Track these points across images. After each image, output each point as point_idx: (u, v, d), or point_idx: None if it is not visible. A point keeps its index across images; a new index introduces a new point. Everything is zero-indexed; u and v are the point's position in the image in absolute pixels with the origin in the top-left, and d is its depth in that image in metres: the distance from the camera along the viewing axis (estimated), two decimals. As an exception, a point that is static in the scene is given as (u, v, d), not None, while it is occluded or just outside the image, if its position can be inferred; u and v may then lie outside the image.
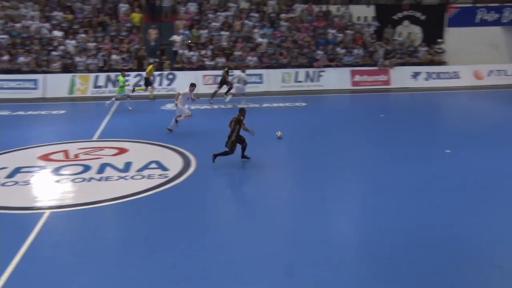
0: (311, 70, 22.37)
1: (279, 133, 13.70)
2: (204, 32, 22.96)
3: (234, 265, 7.09)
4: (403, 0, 24.97)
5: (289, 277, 6.86)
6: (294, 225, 8.60)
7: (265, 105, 18.92)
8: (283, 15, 24.24)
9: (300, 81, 22.31)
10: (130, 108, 17.78)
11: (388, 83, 22.95)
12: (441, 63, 24.05)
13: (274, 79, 22.01)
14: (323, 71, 22.41)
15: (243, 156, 11.74)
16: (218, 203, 9.74)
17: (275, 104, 18.80)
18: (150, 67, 19.76)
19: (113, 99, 17.78)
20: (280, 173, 11.51)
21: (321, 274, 6.86)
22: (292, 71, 22.18)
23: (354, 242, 8.13)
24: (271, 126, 14.49)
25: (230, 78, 19.02)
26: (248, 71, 20.06)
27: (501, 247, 7.84)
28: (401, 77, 23.09)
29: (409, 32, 24.66)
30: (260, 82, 21.84)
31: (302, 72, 22.30)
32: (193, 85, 14.64)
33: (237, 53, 22.37)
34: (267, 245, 7.75)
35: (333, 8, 24.96)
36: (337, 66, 22.74)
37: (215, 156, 11.47)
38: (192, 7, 23.92)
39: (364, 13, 24.74)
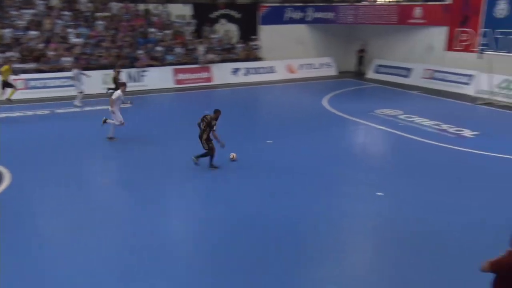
0: (133, 70, 21.80)
1: (232, 155, 11.74)
2: (7, 31, 20.73)
3: (64, 282, 6.58)
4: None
5: (126, 283, 6.62)
6: (114, 233, 8.31)
7: (87, 108, 17.91)
8: (98, 14, 23.15)
9: (122, 82, 21.56)
10: None
11: (210, 80, 23.54)
12: (257, 59, 25.48)
13: (94, 81, 20.89)
14: (145, 71, 22.02)
15: (211, 165, 11.06)
16: (39, 218, 8.90)
17: (98, 107, 17.86)
18: (6, 67, 17.24)
19: None
20: (97, 181, 11.02)
21: (157, 278, 6.76)
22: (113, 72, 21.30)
23: (186, 240, 8.18)
24: (94, 131, 13.80)
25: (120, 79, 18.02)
26: (66, 74, 18.93)
27: (320, 228, 8.64)
28: (222, 73, 23.88)
29: (226, 30, 25.59)
30: (79, 85, 20.53)
31: (124, 72, 21.58)
32: (124, 85, 13.69)
33: (50, 53, 20.71)
34: (99, 255, 7.37)
35: (150, 7, 24.64)
36: (159, 65, 22.56)
37: (197, 157, 11.07)
38: (-11, 3, 21.39)
39: (182, 11, 24.94)
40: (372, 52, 26.36)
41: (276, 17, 26.14)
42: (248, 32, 25.76)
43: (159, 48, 22.98)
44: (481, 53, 19.32)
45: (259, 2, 26.05)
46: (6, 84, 17.35)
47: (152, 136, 14.19)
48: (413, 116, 16.58)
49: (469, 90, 20.61)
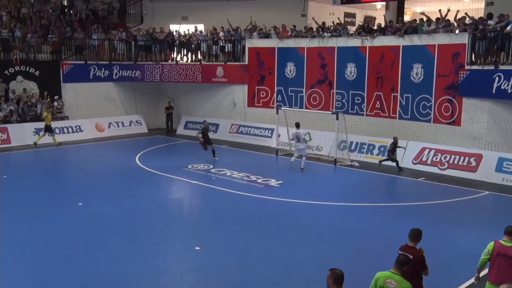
0: None
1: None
2: None
3: None
4: (12, 56, 23.67)
5: None
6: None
7: None
8: None
9: None
10: None
11: (8, 141, 21.42)
12: (62, 118, 24.11)
13: None
14: None
15: None
16: None
17: None
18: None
19: None
20: None
21: None
22: None
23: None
24: None
25: None
26: None
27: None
28: (22, 134, 21.97)
29: (24, 87, 23.75)
30: None
31: None
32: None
33: None
34: None
35: None
36: None
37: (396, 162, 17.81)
38: None
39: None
40: (181, 109, 27.15)
41: (80, 75, 25.16)
42: (50, 90, 24.27)
43: None
44: (278, 108, 21.44)
45: (60, 60, 24.88)
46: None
47: None
48: (224, 169, 17.35)
49: (271, 143, 22.47)
